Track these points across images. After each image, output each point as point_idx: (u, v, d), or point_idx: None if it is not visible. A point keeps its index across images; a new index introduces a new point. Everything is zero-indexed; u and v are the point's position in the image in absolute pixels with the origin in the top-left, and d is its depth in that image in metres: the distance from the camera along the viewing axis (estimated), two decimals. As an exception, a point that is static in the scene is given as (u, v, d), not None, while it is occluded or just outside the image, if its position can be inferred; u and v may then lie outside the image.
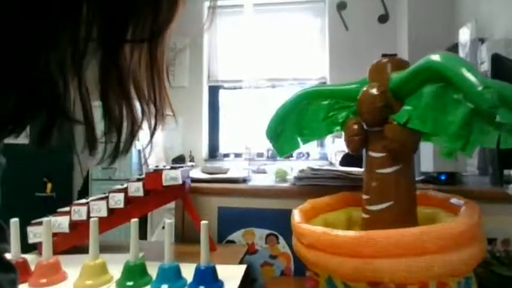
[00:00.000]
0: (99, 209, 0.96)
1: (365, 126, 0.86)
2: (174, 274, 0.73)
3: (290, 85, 3.42)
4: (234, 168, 1.46)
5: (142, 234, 2.31)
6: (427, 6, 2.81)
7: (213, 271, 0.74)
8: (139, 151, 2.71)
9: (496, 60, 1.10)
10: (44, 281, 0.76)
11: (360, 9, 3.27)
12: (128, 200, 0.98)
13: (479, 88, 0.57)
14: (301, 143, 0.99)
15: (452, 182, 1.11)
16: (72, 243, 0.99)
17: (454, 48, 2.08)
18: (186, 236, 1.18)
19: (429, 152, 1.10)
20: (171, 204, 1.19)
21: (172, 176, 0.97)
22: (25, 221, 0.89)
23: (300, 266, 1.11)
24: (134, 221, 0.74)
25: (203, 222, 0.73)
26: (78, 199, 1.03)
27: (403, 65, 0.82)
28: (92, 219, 0.75)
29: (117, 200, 0.97)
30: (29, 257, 0.95)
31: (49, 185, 3.00)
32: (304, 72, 3.44)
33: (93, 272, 0.75)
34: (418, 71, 0.71)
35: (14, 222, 0.76)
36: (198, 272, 0.73)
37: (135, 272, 0.74)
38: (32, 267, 0.84)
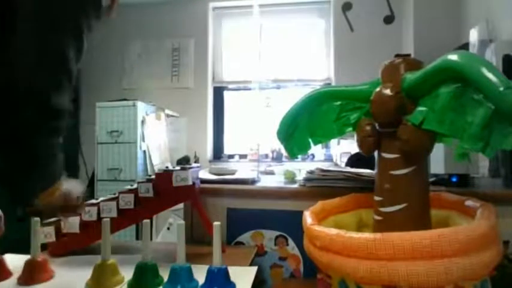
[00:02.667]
0: (110, 210, 0.96)
1: (377, 127, 0.86)
2: (186, 275, 0.72)
3: (295, 86, 3.41)
4: (241, 170, 1.45)
5: (148, 235, 2.30)
6: (433, 7, 2.79)
7: (225, 273, 0.73)
8: (144, 152, 2.71)
9: (508, 61, 1.09)
10: (31, 279, 0.78)
11: (365, 10, 3.26)
12: (138, 200, 0.98)
13: (501, 89, 0.56)
14: (312, 144, 0.99)
15: (463, 184, 1.10)
16: (82, 243, 0.98)
17: (461, 49, 2.07)
18: (194, 237, 1.17)
19: (440, 153, 1.09)
20: (177, 205, 1.19)
21: (182, 177, 0.96)
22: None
23: (309, 268, 1.11)
24: (146, 222, 0.73)
25: (216, 223, 0.73)
26: (83, 200, 1.03)
27: (417, 65, 0.82)
28: (104, 220, 0.74)
29: (127, 201, 0.97)
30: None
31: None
32: (309, 73, 3.43)
33: (105, 273, 0.74)
34: (435, 71, 0.70)
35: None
36: (210, 274, 0.72)
37: (147, 273, 0.73)
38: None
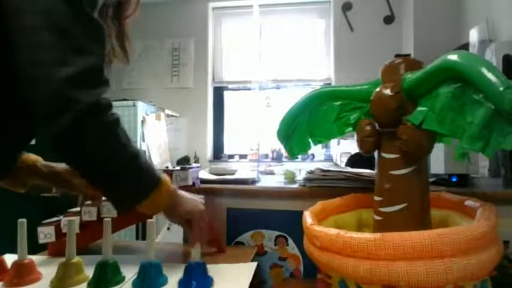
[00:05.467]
0: (109, 210, 0.96)
1: (377, 127, 0.86)
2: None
3: (295, 86, 3.41)
4: (241, 170, 1.45)
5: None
6: (432, 7, 2.80)
7: (203, 268, 0.75)
8: (144, 152, 2.71)
9: (508, 61, 1.09)
10: (17, 281, 0.77)
11: (365, 10, 3.26)
12: (138, 200, 0.98)
13: (501, 88, 0.56)
14: (312, 144, 0.99)
15: (463, 184, 1.10)
16: (82, 243, 0.98)
17: (461, 49, 2.07)
18: (194, 237, 1.17)
19: (440, 153, 1.09)
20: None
21: (182, 177, 0.96)
22: (30, 221, 0.90)
23: (309, 268, 1.11)
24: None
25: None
26: (82, 200, 1.03)
27: (417, 65, 0.82)
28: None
29: (127, 201, 0.96)
30: (37, 258, 0.95)
31: (54, 186, 3.00)
32: (309, 73, 3.43)
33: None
34: (434, 71, 0.70)
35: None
36: (188, 269, 0.74)
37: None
38: (40, 269, 0.84)
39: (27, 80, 0.52)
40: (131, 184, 0.66)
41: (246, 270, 0.85)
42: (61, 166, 0.88)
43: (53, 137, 0.55)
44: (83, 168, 0.63)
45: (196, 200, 0.82)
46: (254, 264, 0.89)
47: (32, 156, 0.86)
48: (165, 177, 0.73)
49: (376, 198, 0.86)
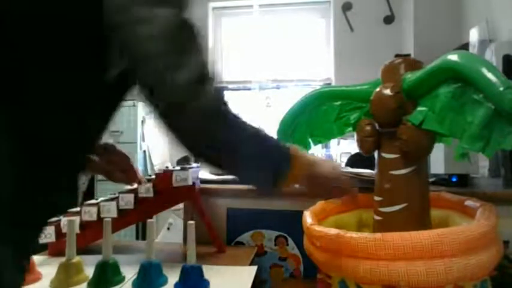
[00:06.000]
0: (109, 210, 0.96)
1: (377, 127, 0.86)
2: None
3: (295, 86, 3.41)
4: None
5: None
6: (433, 7, 2.79)
7: (199, 271, 0.75)
8: (144, 152, 2.71)
9: (508, 60, 1.09)
10: None
11: (365, 10, 3.26)
12: (138, 200, 0.98)
13: (501, 88, 0.56)
14: (312, 144, 0.99)
15: (463, 184, 1.10)
16: (82, 243, 0.98)
17: (461, 49, 2.07)
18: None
19: (440, 153, 1.09)
20: (177, 205, 1.19)
21: (182, 177, 0.96)
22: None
23: (309, 268, 1.11)
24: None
25: (190, 222, 0.74)
26: (83, 200, 1.03)
27: (417, 66, 0.82)
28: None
29: (127, 201, 0.97)
30: (37, 258, 0.95)
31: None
32: (309, 73, 3.43)
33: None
34: (434, 71, 0.70)
35: None
36: (184, 271, 0.73)
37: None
38: (40, 269, 0.84)
39: (151, 89, 0.53)
40: (270, 160, 0.63)
41: (246, 274, 0.85)
42: None
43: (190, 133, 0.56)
44: (223, 159, 0.60)
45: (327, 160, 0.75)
46: (254, 268, 0.89)
47: None
48: (291, 145, 0.69)
49: (376, 198, 0.86)
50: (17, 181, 0.47)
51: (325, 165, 0.73)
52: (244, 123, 0.61)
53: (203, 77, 0.55)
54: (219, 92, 0.58)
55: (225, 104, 0.59)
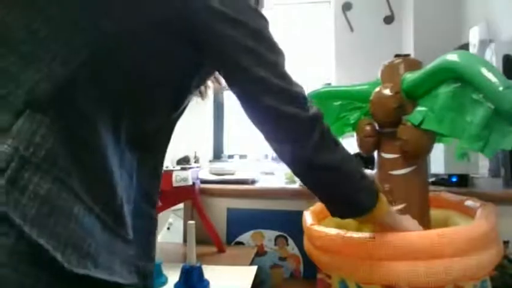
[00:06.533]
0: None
1: (377, 127, 0.86)
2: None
3: (295, 86, 3.41)
4: (241, 170, 1.45)
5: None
6: (433, 7, 2.79)
7: (199, 271, 0.75)
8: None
9: (508, 60, 1.09)
10: None
11: (365, 10, 3.26)
12: (138, 200, 0.98)
13: (500, 88, 0.56)
14: (312, 144, 0.98)
15: (463, 184, 1.10)
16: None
17: (461, 49, 2.07)
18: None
19: (440, 153, 1.09)
20: (177, 205, 1.19)
21: (182, 177, 0.96)
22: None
23: (309, 268, 1.11)
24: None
25: (190, 222, 0.73)
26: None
27: (416, 66, 0.82)
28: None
29: (127, 201, 0.96)
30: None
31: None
32: (309, 73, 3.43)
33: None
34: (434, 71, 0.70)
35: None
36: (184, 272, 0.73)
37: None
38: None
39: (272, 119, 0.55)
40: (362, 191, 0.61)
41: (246, 274, 0.85)
42: None
43: (307, 157, 0.55)
44: (330, 180, 0.59)
45: (415, 224, 0.70)
46: (254, 268, 0.89)
47: None
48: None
49: (376, 198, 0.85)
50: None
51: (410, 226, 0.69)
52: (341, 146, 0.61)
53: (304, 95, 0.57)
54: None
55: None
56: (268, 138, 0.58)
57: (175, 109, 0.57)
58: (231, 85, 0.54)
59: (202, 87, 0.69)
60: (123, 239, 0.46)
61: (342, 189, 0.59)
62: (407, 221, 0.68)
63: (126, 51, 0.46)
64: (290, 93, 0.55)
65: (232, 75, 0.54)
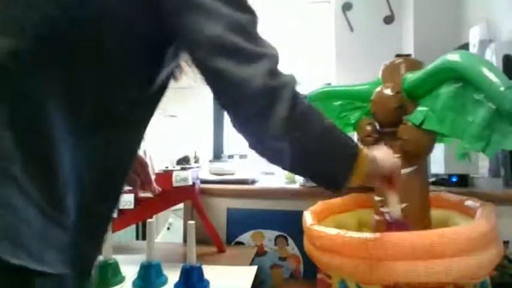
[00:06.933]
0: (109, 210, 0.95)
1: (378, 127, 0.86)
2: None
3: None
4: (241, 170, 1.45)
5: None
6: (433, 7, 2.79)
7: (199, 271, 0.74)
8: (144, 152, 2.71)
9: (508, 60, 1.09)
10: None
11: (365, 10, 3.25)
12: (138, 200, 0.98)
13: (502, 88, 0.56)
14: (312, 144, 0.98)
15: (463, 184, 1.10)
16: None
17: (461, 49, 2.07)
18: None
19: (440, 153, 1.09)
20: (177, 205, 1.19)
21: (182, 177, 0.96)
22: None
23: (309, 268, 1.11)
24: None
25: (190, 222, 0.73)
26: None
27: (417, 66, 0.82)
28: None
29: (127, 201, 0.97)
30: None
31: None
32: (309, 73, 3.44)
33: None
34: (435, 71, 0.70)
35: None
36: (184, 272, 0.73)
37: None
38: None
39: (226, 86, 0.48)
40: (340, 157, 0.57)
41: (246, 274, 0.85)
42: None
43: (272, 130, 0.48)
44: (302, 156, 0.53)
45: (386, 151, 0.69)
46: (254, 268, 0.89)
47: None
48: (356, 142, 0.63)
49: (376, 198, 0.86)
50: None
51: (386, 159, 0.66)
52: (319, 115, 0.55)
53: (278, 66, 0.51)
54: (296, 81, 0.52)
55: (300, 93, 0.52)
56: (228, 114, 0.50)
57: (148, 83, 0.51)
58: (189, 53, 0.49)
59: (177, 71, 0.63)
60: (61, 225, 0.43)
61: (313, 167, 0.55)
62: (379, 153, 0.65)
63: (81, 17, 0.43)
64: (251, 53, 0.47)
65: (185, 39, 0.48)
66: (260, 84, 0.46)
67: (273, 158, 0.56)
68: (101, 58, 0.46)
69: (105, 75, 0.46)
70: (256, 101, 0.47)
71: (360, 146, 0.59)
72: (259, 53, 0.48)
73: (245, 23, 0.49)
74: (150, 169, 0.77)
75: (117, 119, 0.49)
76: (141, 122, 0.54)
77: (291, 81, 0.50)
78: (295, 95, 0.49)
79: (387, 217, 0.70)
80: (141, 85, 0.51)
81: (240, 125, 0.51)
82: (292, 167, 0.58)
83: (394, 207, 0.68)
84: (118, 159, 0.51)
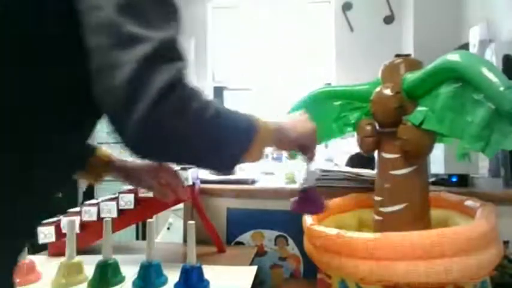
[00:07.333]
0: (109, 210, 0.96)
1: (378, 127, 0.86)
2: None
3: (295, 86, 3.41)
4: (241, 170, 1.45)
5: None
6: (433, 7, 2.79)
7: (199, 271, 0.74)
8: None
9: (508, 61, 1.09)
10: (18, 280, 0.76)
11: (366, 10, 3.26)
12: (138, 200, 0.98)
13: (501, 88, 0.56)
14: (312, 144, 0.99)
15: (463, 184, 1.10)
16: (82, 243, 0.98)
17: (461, 49, 2.07)
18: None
19: (440, 153, 1.09)
20: (177, 205, 1.19)
21: (182, 177, 0.96)
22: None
23: (309, 268, 1.11)
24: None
25: (190, 222, 0.73)
26: (83, 200, 1.03)
27: (417, 66, 0.82)
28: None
29: (127, 201, 0.97)
30: (37, 258, 0.94)
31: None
32: (309, 73, 3.44)
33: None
34: (435, 71, 0.70)
35: None
36: (184, 272, 0.73)
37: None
38: (40, 269, 0.84)
39: (100, 69, 0.43)
40: (230, 143, 0.56)
41: (246, 274, 0.85)
42: (133, 163, 0.79)
43: (133, 127, 0.44)
44: (173, 148, 0.49)
45: (299, 119, 0.68)
46: (254, 268, 0.89)
47: (106, 152, 0.81)
48: (258, 117, 0.62)
49: (376, 198, 0.86)
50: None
51: (298, 126, 0.66)
52: (200, 110, 0.50)
53: (165, 55, 0.46)
54: (181, 76, 0.47)
55: (184, 90, 0.47)
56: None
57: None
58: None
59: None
60: None
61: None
62: (288, 122, 0.65)
63: None
64: (130, 35, 0.41)
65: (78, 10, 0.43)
66: (128, 73, 0.41)
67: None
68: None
69: None
70: (120, 92, 0.42)
71: (262, 120, 0.60)
72: (141, 36, 0.42)
73: (138, 2, 0.44)
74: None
75: (35, 53, 0.45)
76: (69, 58, 0.48)
77: (172, 70, 0.44)
78: (172, 86, 0.44)
79: (299, 185, 0.69)
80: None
81: (108, 119, 0.46)
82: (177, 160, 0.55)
83: (308, 174, 0.68)
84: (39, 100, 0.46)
